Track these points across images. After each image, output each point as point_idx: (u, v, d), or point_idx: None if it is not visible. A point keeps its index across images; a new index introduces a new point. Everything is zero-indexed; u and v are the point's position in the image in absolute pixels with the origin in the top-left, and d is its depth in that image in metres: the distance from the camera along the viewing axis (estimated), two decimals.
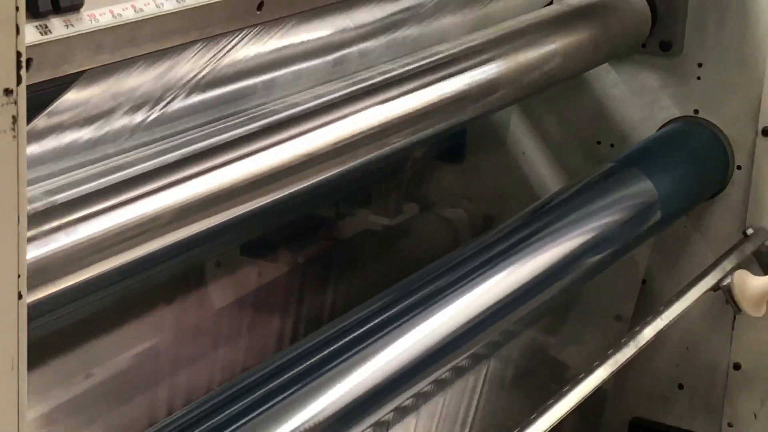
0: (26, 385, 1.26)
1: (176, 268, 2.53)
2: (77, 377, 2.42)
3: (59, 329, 2.27)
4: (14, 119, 1.21)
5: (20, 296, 1.23)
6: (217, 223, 2.00)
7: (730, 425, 3.20)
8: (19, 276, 1.23)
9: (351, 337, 2.23)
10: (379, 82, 2.38)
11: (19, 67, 1.20)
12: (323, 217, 2.99)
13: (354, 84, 2.33)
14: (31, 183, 1.76)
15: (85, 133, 1.80)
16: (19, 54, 1.20)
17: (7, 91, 1.21)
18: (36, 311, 1.75)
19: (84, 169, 1.85)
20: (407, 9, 2.47)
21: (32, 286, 1.69)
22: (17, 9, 1.19)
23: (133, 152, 1.91)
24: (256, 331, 2.75)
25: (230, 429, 1.95)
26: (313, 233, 2.96)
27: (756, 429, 3.18)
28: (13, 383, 1.26)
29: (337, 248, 3.02)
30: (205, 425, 1.95)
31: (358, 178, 2.57)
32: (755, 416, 3.17)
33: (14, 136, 1.21)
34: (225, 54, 1.93)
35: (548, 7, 2.92)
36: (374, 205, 3.04)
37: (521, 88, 2.76)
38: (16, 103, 1.20)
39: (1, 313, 1.25)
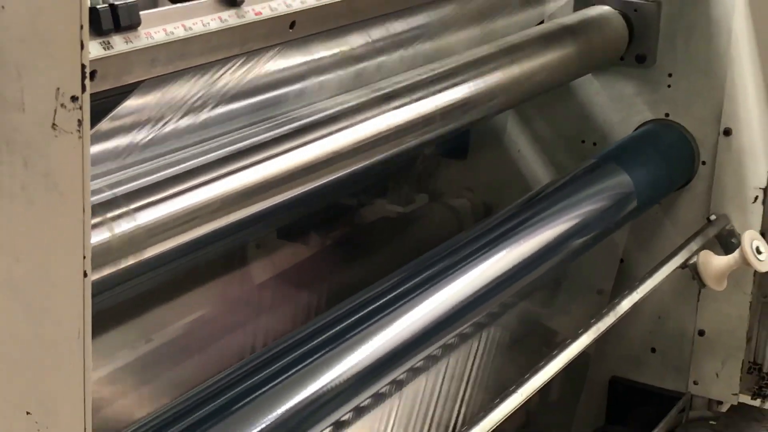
0: (90, 350, 1.25)
1: (222, 249, 2.53)
2: (140, 341, 2.42)
3: (124, 301, 2.27)
4: (80, 122, 1.20)
5: (85, 274, 1.23)
6: (256, 211, 2.01)
7: (695, 383, 3.18)
8: (84, 257, 1.22)
9: (370, 308, 2.22)
10: (394, 90, 2.37)
11: (83, 77, 1.19)
12: (346, 205, 2.98)
13: (372, 92, 2.33)
14: (96, 177, 1.76)
15: (142, 135, 1.79)
16: (83, 66, 1.19)
17: (74, 98, 1.20)
18: (103, 286, 1.76)
19: (141, 165, 1.85)
20: (418, 27, 2.46)
21: (97, 266, 1.69)
22: (81, 27, 1.18)
23: (182, 151, 1.91)
24: (290, 303, 2.75)
25: (268, 387, 1.95)
26: (338, 220, 2.96)
27: (717, 386, 3.16)
28: (79, 349, 1.25)
29: (358, 232, 3.01)
30: (248, 383, 1.94)
31: (375, 172, 2.56)
32: (717, 375, 3.15)
33: (80, 137, 1.20)
34: (261, 66, 1.91)
35: (540, 25, 2.91)
36: (390, 195, 3.04)
37: (517, 95, 2.75)
38: (81, 108, 1.20)
39: (69, 289, 1.24)
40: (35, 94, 1.21)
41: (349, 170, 2.23)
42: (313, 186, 2.14)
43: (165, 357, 2.47)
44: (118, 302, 2.25)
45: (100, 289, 1.76)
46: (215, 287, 2.61)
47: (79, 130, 1.19)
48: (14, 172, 1.23)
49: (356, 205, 3.02)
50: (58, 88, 1.19)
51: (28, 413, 1.28)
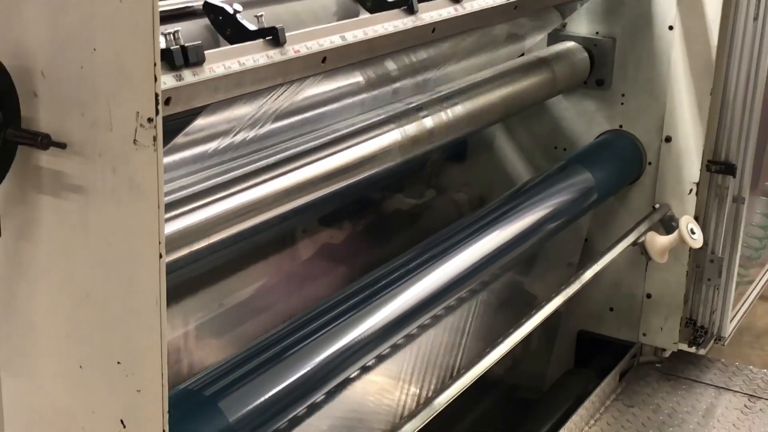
0: (166, 314, 1.25)
1: (276, 234, 2.53)
2: (214, 306, 2.42)
3: (201, 274, 2.28)
4: (155, 138, 1.20)
5: (161, 256, 1.22)
6: (302, 203, 2.00)
7: (644, 335, 3.16)
8: (159, 242, 1.22)
9: (389, 279, 2.22)
10: (407, 109, 2.36)
11: (157, 103, 1.19)
12: (372, 199, 2.97)
13: (392, 110, 2.32)
14: (173, 179, 1.75)
15: (209, 146, 1.79)
16: (156, 95, 1.18)
17: (150, 120, 1.20)
18: (180, 263, 1.76)
19: (210, 169, 1.84)
20: (424, 60, 2.45)
21: (174, 248, 1.69)
22: (155, 64, 1.18)
23: (241, 158, 1.91)
24: (327, 275, 2.75)
25: (311, 339, 1.95)
26: (366, 210, 2.94)
27: (661, 337, 3.13)
28: (157, 313, 1.25)
29: (381, 219, 3.00)
30: (295, 336, 1.94)
31: (394, 173, 2.55)
32: (661, 329, 3.12)
33: (155, 150, 1.20)
34: (300, 92, 1.91)
35: (521, 57, 2.89)
36: (406, 191, 3.03)
37: (504, 112, 2.73)
38: (155, 127, 1.19)
39: (148, 267, 1.24)
40: (120, 117, 1.21)
41: (373, 171, 2.23)
42: (345, 184, 2.14)
43: (235, 317, 2.47)
44: (195, 275, 2.26)
45: (178, 266, 1.76)
46: (271, 263, 2.61)
47: (154, 145, 1.19)
48: (106, 177, 1.24)
49: (380, 199, 3.01)
50: (138, 112, 1.19)
51: (118, 362, 1.28)
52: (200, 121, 1.70)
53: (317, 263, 2.74)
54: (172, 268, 1.66)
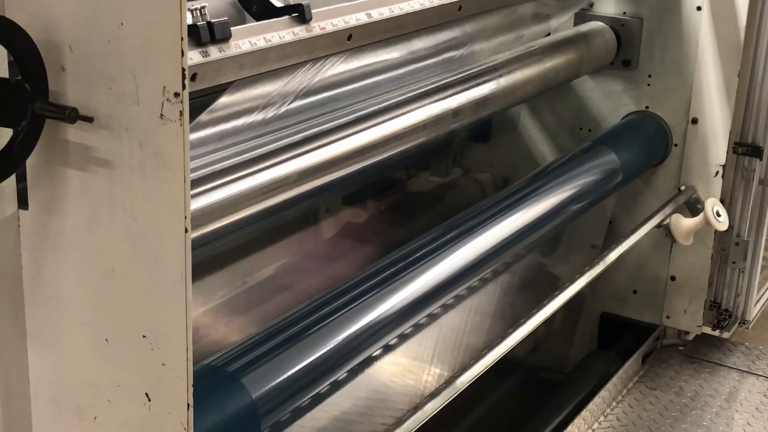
0: (191, 289, 1.25)
1: (301, 211, 2.51)
2: (238, 283, 2.43)
3: (225, 252, 2.28)
4: (181, 113, 1.20)
5: (186, 230, 1.23)
6: (326, 182, 2.00)
7: (668, 317, 3.14)
8: (185, 217, 1.22)
9: (413, 257, 2.21)
10: (433, 88, 2.35)
11: (183, 78, 1.19)
12: (395, 179, 2.96)
13: (415, 90, 2.30)
14: (199, 156, 1.76)
15: (234, 123, 1.79)
16: (183, 70, 1.18)
17: (176, 95, 1.20)
18: (205, 239, 1.76)
19: (235, 146, 1.84)
20: (453, 39, 2.43)
21: (198, 225, 1.70)
22: (182, 39, 1.18)
23: (267, 135, 1.91)
24: (351, 253, 2.75)
25: (333, 317, 1.95)
26: (388, 190, 2.94)
27: (685, 320, 3.12)
28: (182, 287, 1.25)
29: (405, 199, 3.00)
30: (319, 313, 1.95)
31: (419, 153, 2.54)
32: (685, 311, 3.11)
33: (181, 124, 1.20)
34: (327, 70, 1.90)
35: (547, 37, 2.87)
36: (432, 169, 3.02)
37: (528, 92, 2.71)
38: (182, 102, 1.19)
39: (174, 241, 1.24)
40: (147, 91, 1.21)
41: (397, 150, 2.22)
42: (368, 163, 2.13)
43: (258, 294, 2.48)
44: (220, 252, 2.26)
45: (205, 241, 1.76)
46: (296, 240, 2.61)
47: (180, 119, 1.19)
48: (132, 151, 1.24)
49: (406, 177, 3.00)
50: (165, 87, 1.20)
51: (144, 336, 1.29)
52: (225, 99, 1.70)
53: (340, 241, 2.74)
54: (197, 245, 1.66)
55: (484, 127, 3.13)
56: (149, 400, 1.30)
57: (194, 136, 1.70)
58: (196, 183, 1.71)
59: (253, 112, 1.81)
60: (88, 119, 1.22)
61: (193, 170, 1.73)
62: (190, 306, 1.26)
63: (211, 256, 2.25)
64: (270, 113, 1.86)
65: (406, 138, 2.24)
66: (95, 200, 1.27)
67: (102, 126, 1.23)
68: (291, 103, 1.90)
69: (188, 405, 1.28)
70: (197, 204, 1.68)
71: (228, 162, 1.81)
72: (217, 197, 1.76)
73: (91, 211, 1.28)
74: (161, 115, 1.20)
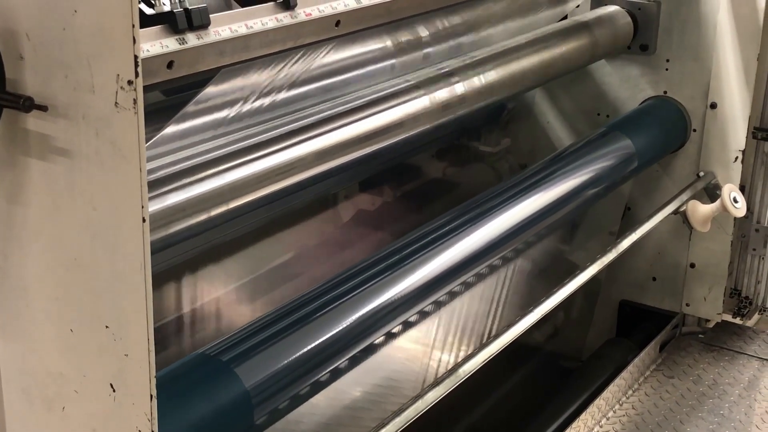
0: (150, 279, 1.21)
1: (320, 196, 2.50)
2: (258, 268, 2.40)
3: (244, 236, 2.26)
4: (134, 101, 1.16)
5: (144, 219, 1.19)
6: (338, 165, 1.97)
7: (687, 305, 3.06)
8: (142, 206, 1.18)
9: (429, 238, 2.17)
10: (449, 71, 2.29)
11: (136, 65, 1.15)
12: (409, 165, 2.90)
13: (437, 71, 2.25)
14: (184, 147, 1.72)
15: (220, 114, 1.75)
16: (136, 57, 1.14)
17: (130, 82, 1.16)
18: (211, 223, 1.73)
19: (220, 138, 1.80)
20: (464, 22, 2.38)
21: (201, 210, 1.67)
22: (133, 25, 1.13)
23: (257, 126, 1.87)
24: (367, 237, 2.72)
25: (343, 300, 1.92)
26: (402, 177, 2.89)
27: (705, 307, 3.04)
28: (142, 277, 1.22)
29: (419, 187, 2.94)
30: (334, 293, 1.93)
31: (431, 138, 2.50)
32: (705, 299, 3.03)
33: (135, 112, 1.16)
34: (316, 60, 1.85)
35: (563, 20, 2.80)
36: (446, 156, 2.97)
37: (544, 76, 2.65)
38: (135, 90, 1.16)
39: (132, 231, 1.21)
40: (102, 80, 1.17)
41: (409, 134, 2.18)
42: (384, 146, 2.10)
43: (275, 279, 2.45)
44: (238, 237, 2.25)
45: (211, 226, 1.73)
46: (314, 224, 2.59)
47: (134, 107, 1.15)
48: (90, 140, 1.21)
49: (421, 164, 2.95)
50: (118, 75, 1.16)
51: (106, 327, 1.26)
52: (210, 89, 1.67)
53: (357, 225, 2.71)
54: (204, 229, 1.64)
55: (498, 112, 3.07)
56: (114, 390, 1.27)
57: (209, 118, 1.66)
58: (203, 167, 1.67)
59: (239, 103, 1.77)
60: (43, 108, 1.19)
61: (201, 154, 1.70)
62: (150, 296, 1.22)
63: (225, 242, 2.23)
64: (257, 104, 1.81)
65: (412, 124, 2.19)
66: (56, 190, 1.24)
67: (60, 114, 1.20)
68: (279, 93, 1.85)
69: (151, 396, 1.24)
70: (210, 186, 1.65)
71: (216, 152, 1.77)
72: (214, 185, 1.73)
73: (52, 201, 1.25)
74: (116, 103, 1.17)
